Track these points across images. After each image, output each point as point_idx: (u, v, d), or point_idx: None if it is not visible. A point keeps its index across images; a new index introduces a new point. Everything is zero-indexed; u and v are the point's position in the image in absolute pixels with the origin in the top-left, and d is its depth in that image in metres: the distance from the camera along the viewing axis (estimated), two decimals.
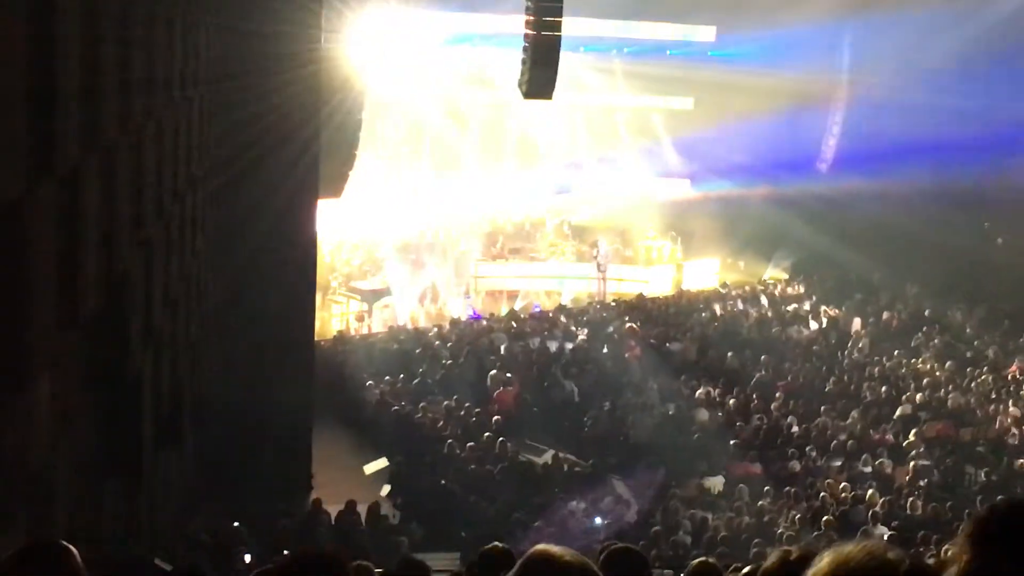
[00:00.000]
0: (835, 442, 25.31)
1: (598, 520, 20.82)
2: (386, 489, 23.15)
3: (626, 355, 31.14)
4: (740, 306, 37.44)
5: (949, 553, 3.33)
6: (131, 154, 11.96)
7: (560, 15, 24.99)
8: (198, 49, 17.97)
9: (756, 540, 18.96)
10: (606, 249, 39.84)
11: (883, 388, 29.10)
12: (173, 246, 15.34)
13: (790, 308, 37.41)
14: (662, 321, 34.90)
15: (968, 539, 3.27)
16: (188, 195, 17.04)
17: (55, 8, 8.65)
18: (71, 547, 4.16)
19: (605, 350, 31.63)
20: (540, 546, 3.47)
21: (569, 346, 31.67)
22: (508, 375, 28.48)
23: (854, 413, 26.94)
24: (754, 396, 28.27)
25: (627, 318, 34.43)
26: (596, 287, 39.09)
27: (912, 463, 24.20)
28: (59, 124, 8.71)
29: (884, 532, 19.86)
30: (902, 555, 2.76)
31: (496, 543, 6.61)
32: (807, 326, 35.29)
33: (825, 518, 20.43)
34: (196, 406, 18.73)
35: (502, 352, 30.61)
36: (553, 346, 31.48)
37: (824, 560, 2.79)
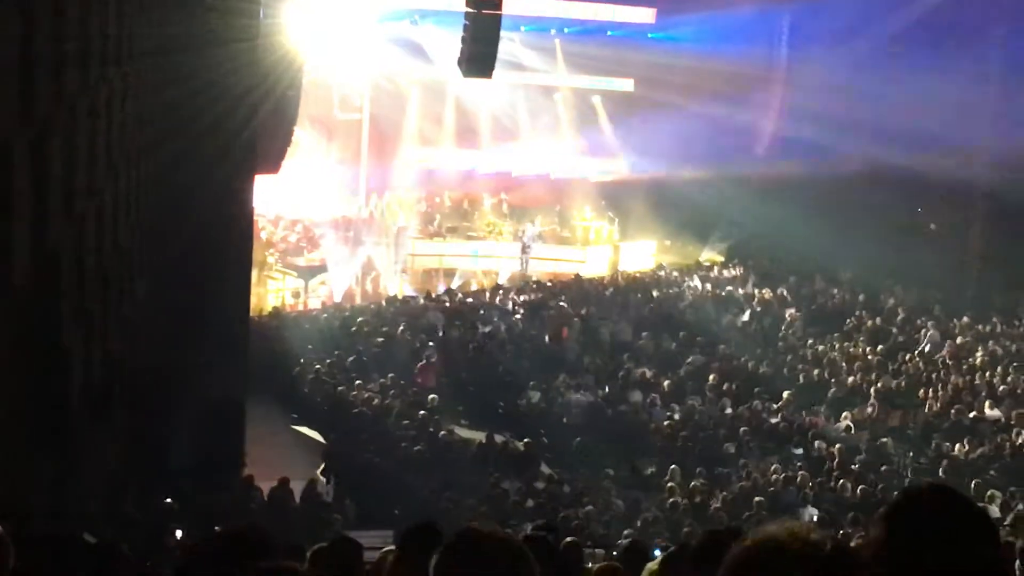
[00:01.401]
0: (767, 424, 25.53)
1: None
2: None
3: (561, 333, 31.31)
4: (676, 288, 37.63)
5: (869, 534, 3.40)
6: (65, 129, 11.84)
7: None
8: (133, 24, 17.80)
9: (688, 521, 19.11)
10: (532, 231, 40.02)
11: (816, 371, 29.39)
12: (107, 221, 15.21)
13: (725, 290, 37.64)
14: (598, 302, 34.99)
15: (883, 521, 3.34)
16: (123, 171, 16.89)
17: None
18: None
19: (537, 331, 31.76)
20: (469, 524, 3.48)
21: (504, 325, 31.70)
22: (431, 348, 28.54)
23: (786, 395, 27.18)
24: (688, 377, 28.48)
25: (562, 300, 34.54)
26: (520, 267, 39.18)
27: (841, 445, 24.45)
28: None
29: (814, 513, 20.08)
30: (825, 536, 2.79)
31: (426, 521, 6.60)
32: (742, 309, 35.51)
33: (756, 499, 20.61)
34: (127, 382, 18.60)
35: (438, 331, 30.61)
36: (489, 325, 31.50)
37: (747, 541, 2.81)
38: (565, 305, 33.96)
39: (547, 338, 31.26)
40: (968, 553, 3.29)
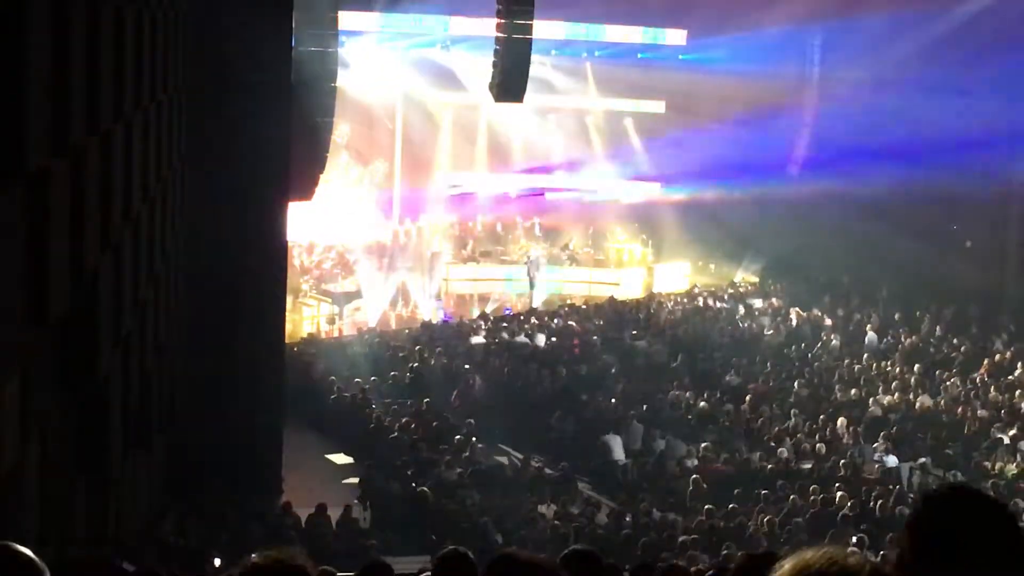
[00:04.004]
0: (805, 445, 25.39)
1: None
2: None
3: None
4: (711, 309, 37.53)
5: (895, 543, 3.36)
6: (100, 155, 11.92)
7: (531, 18, 25.04)
8: (167, 50, 17.93)
9: (726, 543, 18.99)
10: (536, 256, 39.92)
11: (853, 391, 29.21)
12: (142, 247, 15.29)
13: (760, 311, 37.51)
14: (633, 323, 34.93)
15: (907, 528, 3.29)
16: (158, 196, 16.99)
17: (24, 7, 8.61)
18: (26, 549, 4.12)
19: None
20: (506, 549, 3.48)
21: (540, 348, 31.67)
22: (467, 372, 28.53)
23: (824, 415, 27.03)
24: (724, 399, 28.36)
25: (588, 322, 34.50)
26: (530, 291, 38.96)
27: (879, 466, 24.30)
28: (28, 125, 8.67)
29: (854, 534, 19.93)
30: (863, 560, 2.78)
31: (455, 548, 6.51)
32: (777, 329, 35.38)
33: (795, 520, 20.49)
34: (165, 408, 18.69)
35: (473, 355, 30.60)
36: (524, 348, 31.47)
37: (785, 565, 2.80)
38: (574, 324, 33.99)
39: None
40: (997, 553, 3.21)
